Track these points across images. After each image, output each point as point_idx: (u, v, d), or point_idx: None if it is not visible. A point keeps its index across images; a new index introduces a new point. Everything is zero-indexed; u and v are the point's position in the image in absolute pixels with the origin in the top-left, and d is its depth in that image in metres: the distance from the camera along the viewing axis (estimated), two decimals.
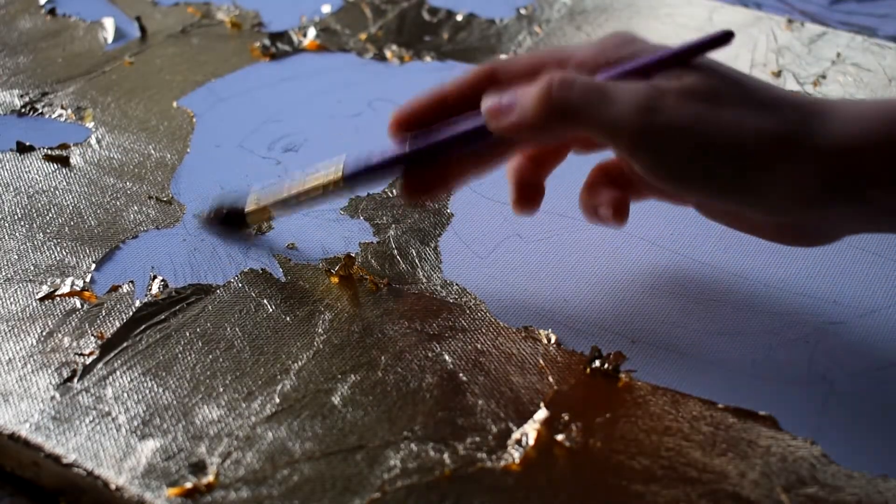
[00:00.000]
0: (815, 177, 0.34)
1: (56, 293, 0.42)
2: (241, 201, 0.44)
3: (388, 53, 0.62)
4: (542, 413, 0.36)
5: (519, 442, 0.35)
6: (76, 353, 0.39)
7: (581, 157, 0.41)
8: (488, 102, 0.37)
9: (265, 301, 0.42)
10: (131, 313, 0.41)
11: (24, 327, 0.40)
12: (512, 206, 0.41)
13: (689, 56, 0.36)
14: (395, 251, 0.45)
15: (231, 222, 0.44)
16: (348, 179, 0.40)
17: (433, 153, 0.39)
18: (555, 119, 0.35)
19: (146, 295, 0.42)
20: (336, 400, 0.37)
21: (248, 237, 0.45)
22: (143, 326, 0.40)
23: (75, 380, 0.37)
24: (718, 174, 0.34)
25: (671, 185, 0.35)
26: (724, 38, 0.36)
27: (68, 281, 0.42)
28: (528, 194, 0.41)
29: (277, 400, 0.37)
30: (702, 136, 0.34)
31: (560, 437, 0.36)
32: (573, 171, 0.42)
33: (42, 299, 0.41)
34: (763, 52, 0.62)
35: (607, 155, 0.41)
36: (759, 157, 0.34)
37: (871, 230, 0.38)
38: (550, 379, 0.38)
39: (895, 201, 0.34)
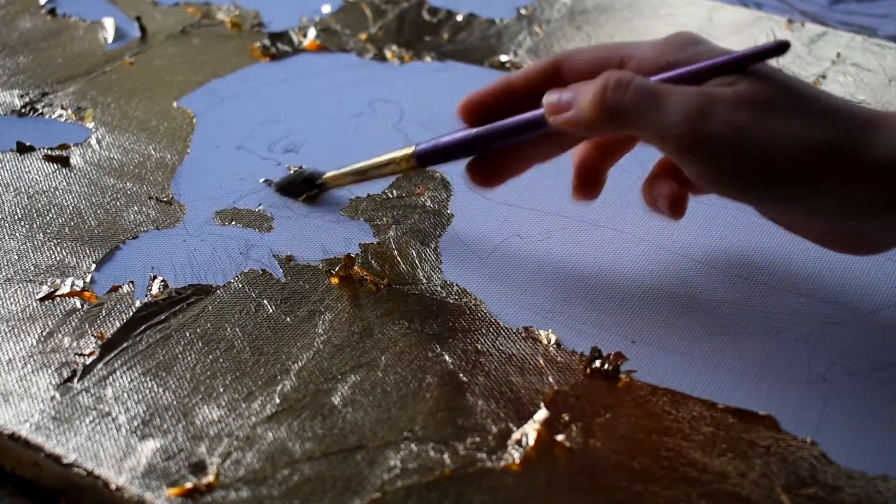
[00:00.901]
0: (868, 188, 0.34)
1: (56, 293, 0.42)
2: (321, 172, 0.48)
3: (388, 53, 0.62)
4: (542, 413, 0.36)
5: (519, 442, 0.35)
6: (76, 354, 0.39)
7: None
8: (549, 98, 0.38)
9: (265, 301, 0.42)
10: (131, 313, 0.41)
11: (24, 327, 0.40)
12: (572, 193, 0.43)
13: (746, 63, 0.36)
14: (396, 252, 0.45)
15: (307, 184, 0.48)
16: (420, 157, 0.43)
17: (501, 137, 0.40)
18: (608, 120, 0.36)
19: (146, 295, 0.42)
20: (336, 400, 0.37)
21: (315, 198, 0.48)
22: (143, 327, 0.40)
23: (75, 380, 0.37)
24: (766, 184, 0.35)
25: (717, 191, 0.36)
26: (781, 48, 0.36)
27: (68, 281, 0.42)
28: (589, 182, 0.42)
29: (277, 400, 0.37)
30: (746, 146, 0.34)
31: (560, 437, 0.36)
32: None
33: (42, 299, 0.41)
34: None
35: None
36: (806, 170, 0.34)
37: None
38: (550, 379, 0.38)
39: None
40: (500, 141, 0.41)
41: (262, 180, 0.49)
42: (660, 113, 0.35)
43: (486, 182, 0.42)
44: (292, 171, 0.49)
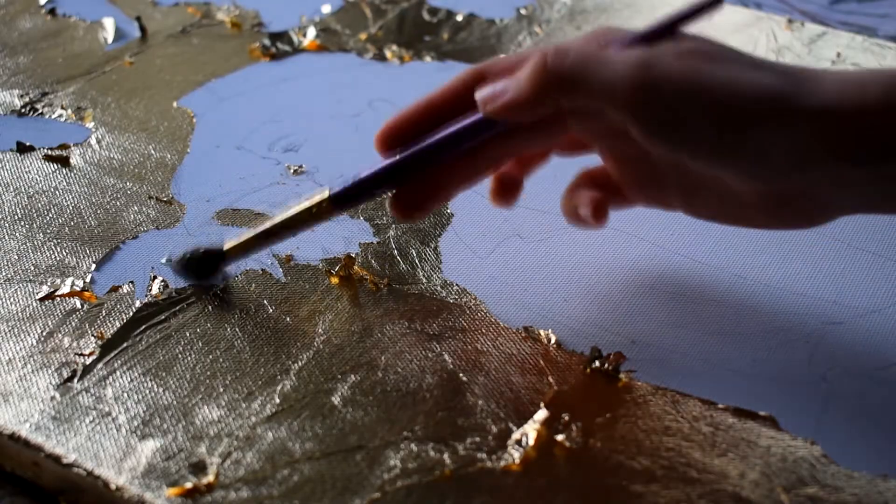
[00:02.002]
0: (811, 136, 0.33)
1: (56, 293, 0.42)
2: (217, 245, 0.42)
3: (388, 53, 0.62)
4: (542, 413, 0.36)
5: (519, 442, 0.35)
6: (76, 354, 0.39)
7: (582, 158, 0.41)
8: (483, 91, 0.37)
9: (265, 301, 0.42)
10: (131, 313, 0.41)
11: (24, 327, 0.40)
12: (489, 198, 0.41)
13: (683, 22, 0.36)
14: (396, 251, 0.45)
15: (208, 262, 0.42)
16: (336, 199, 0.39)
17: (424, 160, 0.38)
18: (552, 88, 0.35)
19: (146, 295, 0.42)
20: (336, 400, 0.37)
21: (222, 279, 0.42)
22: (143, 327, 0.40)
23: (75, 380, 0.37)
24: (715, 131, 0.34)
25: (667, 144, 0.34)
26: (713, 2, 0.36)
27: (68, 281, 0.42)
28: (506, 188, 0.41)
29: (277, 400, 0.37)
30: (698, 90, 0.33)
31: (560, 437, 0.36)
32: (573, 172, 0.42)
33: (42, 299, 0.41)
34: (763, 52, 0.62)
35: (593, 161, 0.41)
36: (755, 113, 0.33)
37: (867, 207, 0.36)
38: (550, 379, 0.38)
39: (892, 167, 0.33)
40: (427, 162, 0.38)
41: (162, 260, 0.44)
42: (605, 68, 0.34)
43: (411, 214, 0.39)
44: (186, 251, 0.42)
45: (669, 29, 0.36)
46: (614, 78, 0.34)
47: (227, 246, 0.41)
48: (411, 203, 0.39)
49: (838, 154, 0.33)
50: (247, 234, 0.41)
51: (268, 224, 0.40)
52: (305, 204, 0.39)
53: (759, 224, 0.38)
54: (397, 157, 0.38)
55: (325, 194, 0.39)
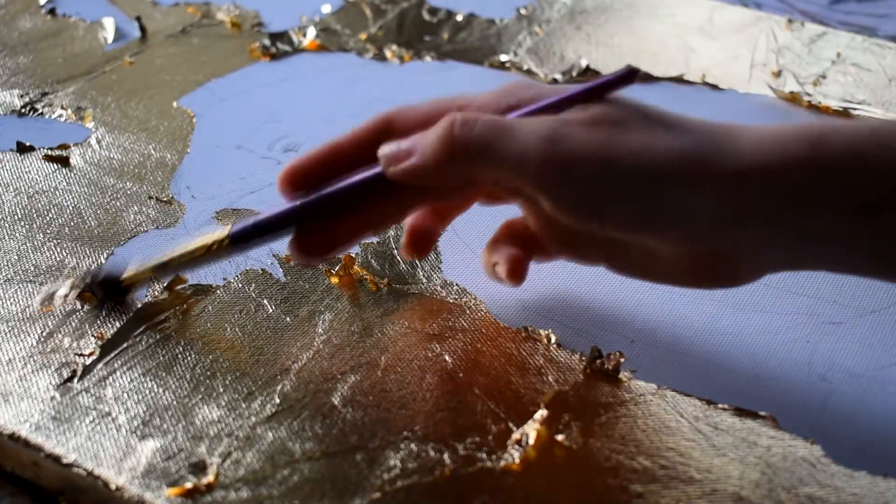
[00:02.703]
0: (726, 198, 0.32)
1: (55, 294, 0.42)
2: (121, 269, 0.41)
3: (388, 53, 0.62)
4: (542, 413, 0.36)
5: (519, 442, 0.35)
6: (76, 354, 0.39)
7: None
8: (386, 149, 0.35)
9: (265, 301, 0.42)
10: (131, 314, 0.41)
11: (24, 327, 0.40)
12: (401, 249, 0.41)
13: (595, 95, 0.35)
14: (396, 251, 0.45)
15: (108, 289, 0.41)
16: (235, 238, 0.38)
17: (326, 207, 0.37)
18: (458, 159, 0.34)
19: (146, 295, 0.42)
20: (336, 400, 0.37)
21: (129, 303, 0.41)
22: (143, 327, 0.40)
23: (75, 380, 0.37)
24: (627, 200, 0.33)
25: (579, 217, 0.34)
26: (630, 75, 0.35)
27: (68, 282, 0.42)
28: (419, 242, 0.40)
29: (277, 400, 0.37)
30: (608, 160, 0.32)
31: (560, 437, 0.36)
32: None
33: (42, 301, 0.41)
34: (763, 52, 0.62)
35: (514, 212, 0.40)
36: (666, 179, 0.32)
37: (793, 264, 0.35)
38: (550, 379, 0.38)
39: (817, 226, 0.32)
40: (329, 209, 0.37)
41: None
42: (513, 141, 0.33)
43: (312, 257, 0.37)
44: (83, 273, 0.42)
45: (582, 99, 0.35)
46: (521, 152, 0.33)
47: (125, 275, 0.40)
48: (311, 248, 0.37)
49: (757, 214, 0.32)
50: (145, 265, 0.40)
51: (165, 258, 0.39)
52: (205, 240, 0.38)
53: (683, 283, 0.36)
54: (298, 202, 0.37)
55: (225, 233, 0.38)
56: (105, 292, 0.41)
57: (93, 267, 0.43)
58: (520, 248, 0.39)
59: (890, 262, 0.33)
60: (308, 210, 0.37)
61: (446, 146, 0.34)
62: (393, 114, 0.37)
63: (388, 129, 0.37)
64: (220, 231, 0.38)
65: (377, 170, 0.36)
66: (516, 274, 0.39)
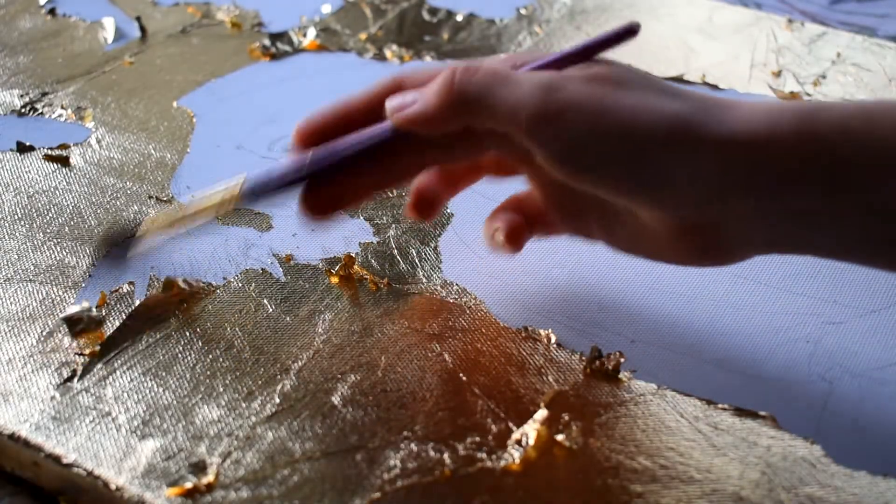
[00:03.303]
0: (717, 165, 0.32)
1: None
2: (133, 227, 0.42)
3: (388, 53, 0.62)
4: (542, 413, 0.36)
5: (519, 442, 0.35)
6: (76, 353, 0.39)
7: None
8: (391, 101, 0.36)
9: (265, 301, 0.42)
10: (131, 313, 0.41)
11: (24, 327, 0.40)
12: (405, 209, 0.41)
13: (597, 50, 0.35)
14: (395, 251, 0.45)
15: (121, 242, 0.42)
16: (247, 193, 0.38)
17: (335, 163, 0.37)
18: (457, 106, 0.34)
19: (146, 295, 0.42)
20: (336, 400, 0.37)
21: (140, 255, 0.42)
22: (143, 326, 0.40)
23: (75, 380, 0.37)
24: (616, 156, 0.32)
25: (570, 171, 0.34)
26: (630, 31, 0.35)
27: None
28: (423, 204, 0.40)
29: (277, 400, 0.37)
30: (601, 115, 0.32)
31: (560, 437, 0.36)
32: None
33: (42, 300, 0.41)
34: (763, 52, 0.62)
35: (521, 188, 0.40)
36: (660, 140, 0.32)
37: (780, 245, 0.34)
38: (550, 379, 0.38)
39: (802, 202, 0.32)
40: (338, 164, 0.37)
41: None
42: (511, 90, 0.33)
43: (320, 213, 0.38)
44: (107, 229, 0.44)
45: (584, 55, 0.35)
46: (517, 100, 0.33)
47: (140, 230, 0.41)
48: (320, 203, 0.38)
49: (745, 185, 0.32)
50: (158, 219, 0.40)
51: (179, 213, 0.40)
52: (217, 195, 0.39)
53: (673, 259, 0.36)
54: (308, 156, 0.37)
55: (237, 188, 0.38)
56: (116, 243, 0.42)
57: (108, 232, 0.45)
58: (522, 219, 0.39)
59: (878, 246, 0.33)
60: (318, 164, 0.37)
61: (446, 93, 0.34)
62: (402, 75, 0.38)
63: (398, 89, 0.37)
64: (233, 185, 0.38)
65: (385, 125, 0.37)
66: (514, 239, 0.39)
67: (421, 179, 0.40)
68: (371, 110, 0.37)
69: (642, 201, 0.34)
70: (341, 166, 0.37)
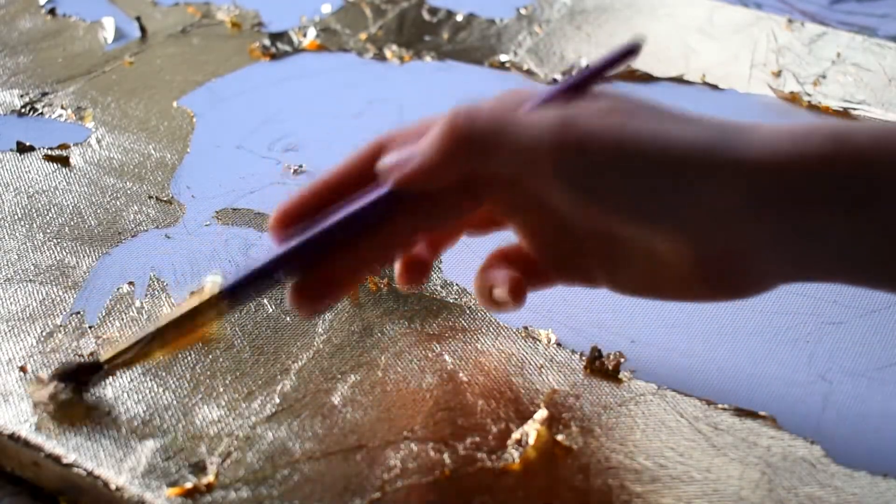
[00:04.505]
0: (740, 189, 0.31)
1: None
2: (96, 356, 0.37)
3: (388, 53, 0.62)
4: (542, 413, 0.36)
5: (519, 442, 0.35)
6: (76, 354, 0.39)
7: None
8: (385, 160, 0.34)
9: (265, 301, 0.42)
10: (131, 313, 0.41)
11: (24, 327, 0.40)
12: (396, 280, 0.38)
13: (601, 73, 0.34)
14: None
15: (83, 375, 0.36)
16: (228, 293, 0.34)
17: (322, 242, 0.34)
18: (462, 151, 0.33)
19: (146, 295, 0.42)
20: (336, 400, 0.37)
21: (98, 385, 0.37)
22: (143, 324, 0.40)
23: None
24: (643, 189, 0.32)
25: (593, 205, 0.32)
26: (633, 50, 0.34)
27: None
28: (415, 271, 0.38)
29: (277, 400, 0.37)
30: (621, 145, 0.31)
31: (560, 437, 0.36)
32: None
33: (42, 300, 0.41)
34: (763, 52, 0.62)
35: (506, 239, 0.39)
36: (684, 167, 0.31)
37: (803, 272, 0.33)
38: (550, 379, 0.38)
39: (832, 223, 0.31)
40: (325, 245, 0.34)
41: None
42: (521, 130, 0.32)
43: (314, 304, 0.35)
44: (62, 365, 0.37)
45: (588, 81, 0.34)
46: (532, 139, 0.32)
47: (104, 357, 0.36)
48: (313, 293, 0.35)
49: (770, 208, 0.31)
50: (125, 342, 0.35)
51: (149, 331, 0.35)
52: (192, 302, 0.34)
53: (689, 295, 0.35)
54: (290, 244, 0.34)
55: (216, 290, 0.34)
56: (83, 378, 0.36)
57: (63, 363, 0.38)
58: (518, 272, 0.37)
59: None
60: (304, 248, 0.34)
61: (449, 140, 0.33)
62: (384, 139, 0.35)
63: (382, 152, 0.35)
64: (209, 289, 0.34)
65: (373, 193, 0.34)
66: (517, 292, 0.37)
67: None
68: (352, 185, 0.35)
69: (663, 231, 0.33)
70: (329, 245, 0.34)
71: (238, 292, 0.34)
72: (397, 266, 0.38)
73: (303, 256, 0.34)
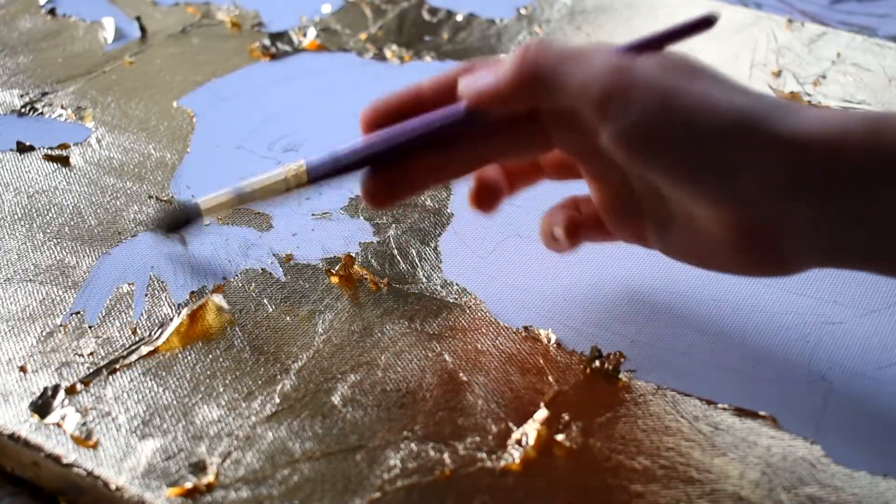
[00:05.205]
0: (782, 163, 0.32)
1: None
2: (195, 203, 0.41)
3: (388, 53, 0.62)
4: (542, 413, 0.36)
5: (519, 442, 0.35)
6: (76, 354, 0.39)
7: None
8: (464, 80, 0.36)
9: (265, 301, 0.42)
10: (131, 313, 0.41)
11: (23, 327, 0.40)
12: (468, 199, 0.41)
13: (673, 39, 0.36)
14: (395, 251, 0.45)
15: (185, 220, 0.41)
16: (312, 172, 0.38)
17: (401, 144, 0.37)
18: (530, 80, 0.34)
19: (146, 294, 0.42)
20: (336, 400, 0.37)
21: (196, 230, 0.43)
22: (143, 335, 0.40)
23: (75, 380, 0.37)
24: (682, 143, 0.32)
25: (633, 152, 0.33)
26: (708, 21, 0.35)
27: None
28: (486, 193, 0.40)
29: (277, 400, 0.37)
30: (669, 98, 0.32)
31: (560, 437, 0.36)
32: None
33: (42, 300, 0.41)
34: (763, 52, 0.62)
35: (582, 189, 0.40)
36: (724, 132, 0.32)
37: (841, 256, 0.34)
38: (550, 379, 0.38)
39: (872, 204, 0.31)
40: (405, 144, 0.37)
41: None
42: (584, 66, 0.33)
43: (383, 198, 0.38)
44: (167, 206, 0.44)
45: (658, 44, 0.35)
46: (588, 75, 0.33)
47: (203, 206, 0.40)
48: (383, 187, 0.38)
49: (812, 185, 0.32)
50: (221, 195, 0.40)
51: (242, 191, 0.39)
52: (281, 175, 0.39)
53: (728, 267, 0.36)
54: (375, 137, 0.37)
55: (302, 167, 0.38)
56: (180, 224, 0.41)
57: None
58: (578, 218, 0.40)
59: None
60: (390, 142, 0.37)
61: (520, 67, 0.34)
62: (472, 63, 0.38)
63: (468, 72, 0.37)
64: (296, 165, 0.38)
65: (455, 107, 0.36)
66: (572, 234, 0.39)
67: (483, 172, 0.40)
68: (439, 96, 0.37)
69: (702, 193, 0.33)
70: (407, 149, 0.37)
71: (321, 171, 0.38)
72: (471, 186, 0.40)
73: (384, 152, 0.37)
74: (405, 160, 0.37)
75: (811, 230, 0.33)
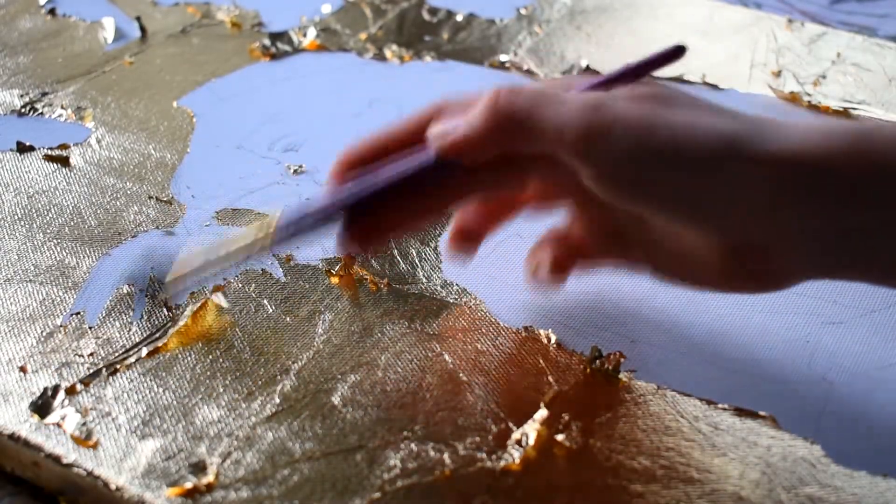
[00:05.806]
0: (768, 181, 0.31)
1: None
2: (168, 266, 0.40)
3: (388, 53, 0.62)
4: (542, 413, 0.36)
5: (519, 442, 0.35)
6: (76, 354, 0.39)
7: None
8: (433, 129, 0.36)
9: (265, 301, 0.42)
10: (132, 313, 0.41)
11: (24, 327, 0.40)
12: (447, 245, 0.41)
13: (644, 71, 0.35)
14: (395, 251, 0.45)
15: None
16: (283, 231, 0.37)
17: (376, 192, 0.36)
18: (502, 128, 0.34)
19: (146, 295, 0.42)
20: (336, 400, 0.37)
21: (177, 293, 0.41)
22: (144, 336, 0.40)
23: (75, 380, 0.37)
24: (667, 177, 0.32)
25: (617, 190, 0.33)
26: (677, 52, 0.35)
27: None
28: (464, 239, 0.40)
29: (277, 400, 0.37)
30: (650, 132, 0.32)
31: (560, 437, 0.36)
32: None
33: (42, 301, 0.41)
34: (763, 52, 0.62)
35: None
36: (710, 157, 0.32)
37: (830, 269, 0.34)
38: (550, 379, 0.38)
39: (859, 218, 0.31)
40: (380, 191, 0.36)
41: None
42: (557, 109, 0.33)
43: (359, 250, 0.38)
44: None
45: (630, 76, 0.35)
46: (563, 118, 0.33)
47: (168, 278, 0.39)
48: (357, 238, 0.37)
49: (798, 202, 0.31)
50: (185, 267, 0.38)
51: (208, 258, 0.38)
52: (249, 238, 0.37)
53: (720, 286, 0.36)
54: (347, 188, 0.36)
55: (271, 229, 0.37)
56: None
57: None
58: (564, 251, 0.39)
59: None
60: (357, 194, 0.36)
61: (491, 115, 0.34)
62: (442, 104, 0.37)
63: (438, 116, 0.37)
64: (267, 222, 0.37)
65: (428, 153, 0.36)
66: (560, 272, 0.39)
67: (461, 214, 0.40)
68: (411, 139, 0.37)
69: (689, 222, 0.33)
70: (382, 195, 0.36)
71: (292, 229, 0.37)
72: (449, 230, 0.40)
73: (357, 202, 0.36)
74: (378, 210, 0.37)
75: (802, 245, 0.32)
